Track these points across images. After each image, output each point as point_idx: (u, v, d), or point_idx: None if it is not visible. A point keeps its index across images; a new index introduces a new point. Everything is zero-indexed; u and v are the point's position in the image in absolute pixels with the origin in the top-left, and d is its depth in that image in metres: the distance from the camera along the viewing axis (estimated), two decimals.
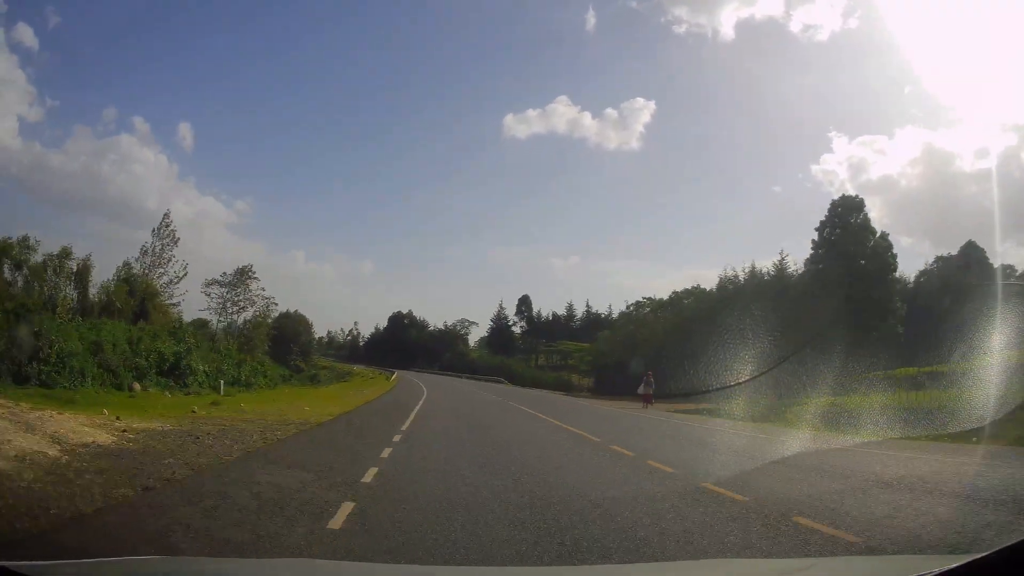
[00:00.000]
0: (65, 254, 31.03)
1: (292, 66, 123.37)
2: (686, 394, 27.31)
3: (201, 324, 53.28)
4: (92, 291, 32.46)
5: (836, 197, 41.61)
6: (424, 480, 6.61)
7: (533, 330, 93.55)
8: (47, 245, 31.58)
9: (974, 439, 11.07)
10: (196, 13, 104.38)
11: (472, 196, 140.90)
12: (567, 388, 56.46)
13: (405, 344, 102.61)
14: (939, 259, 50.22)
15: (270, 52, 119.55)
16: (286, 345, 61.72)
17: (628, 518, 5.02)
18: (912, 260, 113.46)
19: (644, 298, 55.22)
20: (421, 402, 21.99)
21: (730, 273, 45.35)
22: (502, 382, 60.64)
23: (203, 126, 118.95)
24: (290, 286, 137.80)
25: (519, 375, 68.42)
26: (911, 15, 67.52)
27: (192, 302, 64.06)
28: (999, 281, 33.77)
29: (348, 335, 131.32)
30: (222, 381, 31.27)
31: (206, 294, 50.03)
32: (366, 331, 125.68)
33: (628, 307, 58.50)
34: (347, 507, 5.07)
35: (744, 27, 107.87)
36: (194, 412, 14.35)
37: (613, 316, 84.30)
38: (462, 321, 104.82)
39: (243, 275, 52.97)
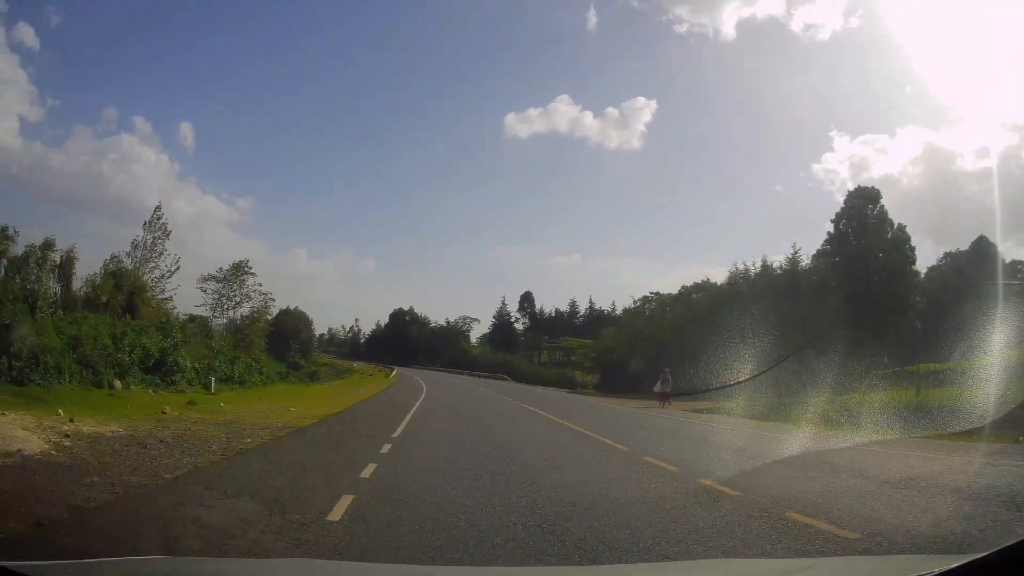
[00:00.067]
0: (48, 246, 29.51)
1: (292, 66, 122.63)
2: (696, 392, 26.03)
3: (202, 322, 52.04)
4: (77, 285, 30.98)
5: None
6: (413, 519, 4.64)
7: (535, 327, 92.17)
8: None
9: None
10: (196, 13, 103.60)
11: (473, 195, 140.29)
12: (571, 385, 55.14)
13: (406, 341, 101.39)
14: (947, 255, 49.29)
15: (270, 52, 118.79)
16: (285, 342, 60.43)
17: None
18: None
19: (651, 293, 53.76)
20: (419, 401, 20.46)
21: (740, 267, 43.80)
22: (505, 379, 59.22)
23: (204, 125, 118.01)
24: (291, 284, 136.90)
25: (521, 372, 67.08)
26: (912, 14, 67.15)
27: (189, 298, 62.90)
28: (1000, 280, 32.89)
29: (349, 332, 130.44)
30: (213, 378, 29.89)
31: (202, 290, 48.68)
32: (367, 328, 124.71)
33: (634, 302, 57.00)
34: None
35: (745, 26, 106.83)
36: (164, 413, 12.94)
37: (616, 313, 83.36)
38: (464, 318, 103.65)
39: (239, 270, 51.53)
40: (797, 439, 11.10)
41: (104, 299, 31.42)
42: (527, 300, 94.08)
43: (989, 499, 5.82)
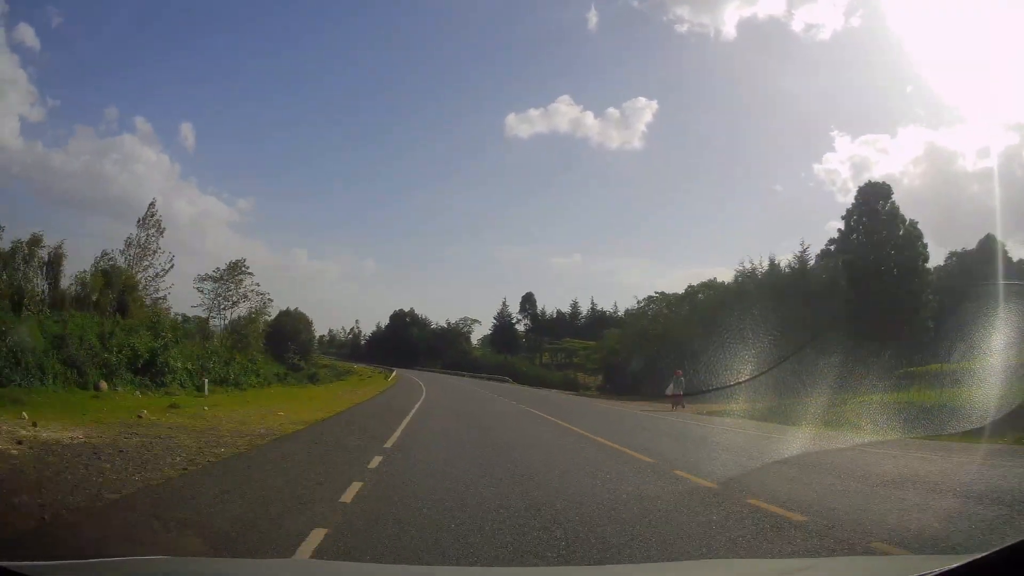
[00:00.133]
0: (35, 241, 28.59)
1: (293, 66, 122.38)
2: (700, 392, 25.10)
3: (200, 322, 51.09)
4: (66, 282, 30.04)
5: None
6: (399, 562, 3.68)
7: (537, 328, 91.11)
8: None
9: None
10: (197, 13, 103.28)
11: (473, 195, 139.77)
12: (574, 387, 54.15)
13: (407, 342, 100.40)
14: (953, 254, 48.62)
15: (270, 52, 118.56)
16: (284, 343, 59.51)
17: None
18: None
19: (656, 293, 52.71)
20: (417, 404, 19.41)
21: (747, 266, 42.78)
22: (507, 381, 58.19)
23: (204, 125, 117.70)
24: (292, 285, 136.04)
25: (523, 373, 66.08)
26: (913, 14, 67.10)
27: (187, 299, 62.09)
28: (1008, 280, 32.34)
29: (349, 334, 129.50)
30: (206, 380, 28.91)
31: (199, 290, 47.73)
32: (367, 329, 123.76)
33: (638, 303, 55.95)
34: None
35: (746, 26, 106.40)
36: (140, 417, 11.96)
37: (619, 314, 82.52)
38: (464, 319, 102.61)
39: (235, 270, 50.56)
40: (842, 447, 10.21)
41: (94, 297, 30.49)
42: (528, 301, 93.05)
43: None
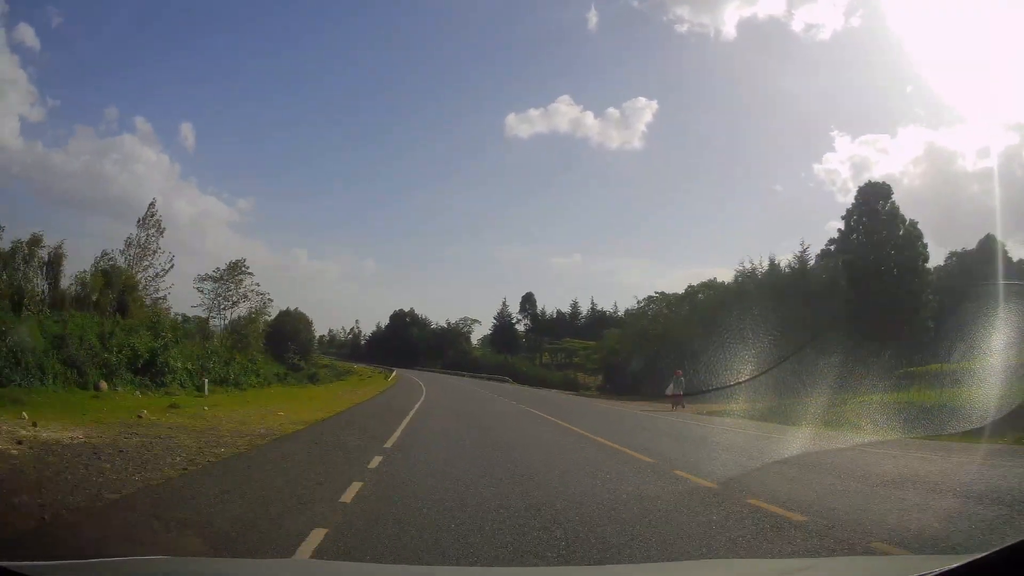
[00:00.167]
0: (35, 241, 28.57)
1: (293, 66, 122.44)
2: (700, 392, 25.08)
3: (200, 322, 51.05)
4: (66, 282, 30.03)
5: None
6: (401, 562, 3.68)
7: (537, 328, 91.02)
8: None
9: None
10: (197, 13, 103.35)
11: (474, 195, 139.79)
12: (574, 387, 54.12)
13: (407, 342, 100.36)
14: (953, 254, 48.67)
15: (271, 52, 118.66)
16: (284, 343, 59.50)
17: None
18: None
19: (656, 293, 52.70)
20: (417, 404, 19.40)
21: (747, 266, 42.76)
22: (508, 381, 58.16)
23: (204, 126, 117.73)
24: (292, 284, 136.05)
25: (523, 374, 66.04)
26: (913, 14, 66.77)
27: (187, 299, 62.16)
28: (1006, 280, 32.42)
29: (349, 334, 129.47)
30: (206, 380, 28.91)
31: (199, 290, 47.71)
32: (367, 329, 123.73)
33: (638, 303, 55.89)
34: None
35: (746, 26, 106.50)
36: (140, 417, 11.96)
37: (618, 314, 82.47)
38: (464, 319, 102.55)
39: (235, 270, 50.55)
40: (842, 447, 10.19)
41: (94, 297, 30.48)
42: (528, 301, 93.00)
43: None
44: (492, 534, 4.20)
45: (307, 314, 69.70)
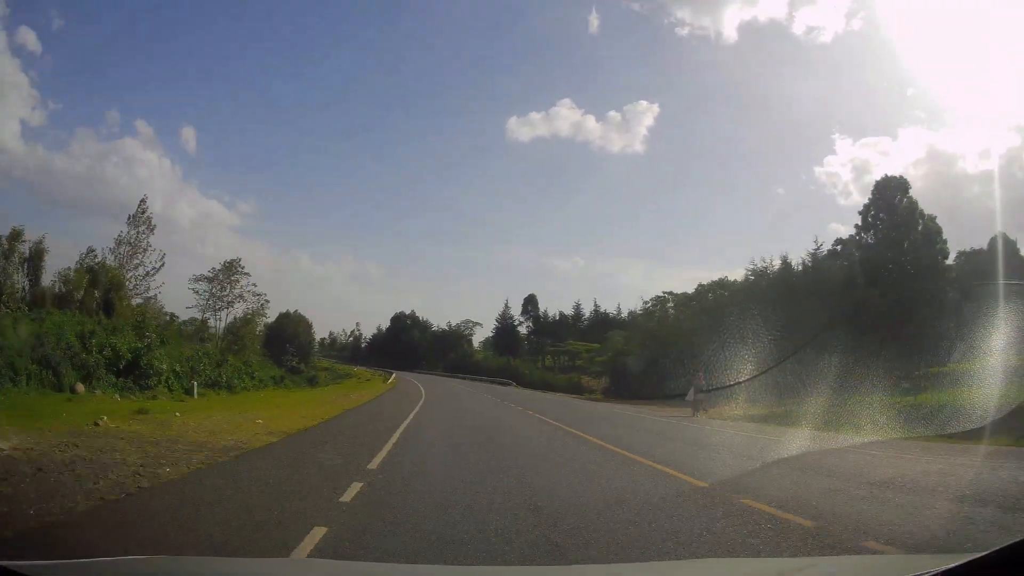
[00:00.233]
0: (15, 236, 27.25)
1: (295, 70, 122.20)
2: (715, 389, 23.63)
3: (199, 324, 49.74)
4: (49, 279, 28.71)
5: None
6: None
7: (539, 330, 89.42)
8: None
9: None
10: (199, 18, 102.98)
11: (475, 198, 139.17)
12: (578, 390, 52.64)
13: (408, 345, 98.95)
14: (961, 254, 47.50)
15: (272, 56, 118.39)
16: (283, 345, 58.15)
17: None
18: None
19: (665, 292, 51.20)
20: (415, 411, 17.84)
21: (760, 264, 41.36)
22: (511, 384, 56.56)
23: (206, 129, 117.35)
24: (293, 287, 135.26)
25: (526, 377, 64.54)
26: (914, 16, 65.93)
27: (185, 299, 60.95)
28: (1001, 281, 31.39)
29: (350, 336, 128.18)
30: (196, 383, 27.52)
31: (194, 291, 46.41)
32: (368, 332, 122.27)
33: (645, 303, 54.46)
34: None
35: (747, 29, 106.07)
36: (98, 424, 10.51)
37: (622, 316, 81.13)
38: (466, 322, 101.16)
39: (230, 270, 49.20)
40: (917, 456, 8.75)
41: (78, 296, 29.15)
42: (531, 303, 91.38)
43: None
44: None
45: (308, 317, 68.70)
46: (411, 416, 15.47)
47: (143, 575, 2.30)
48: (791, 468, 8.22)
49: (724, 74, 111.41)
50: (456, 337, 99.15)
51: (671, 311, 47.96)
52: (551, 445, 10.64)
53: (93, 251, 32.56)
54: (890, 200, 37.20)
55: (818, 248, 41.13)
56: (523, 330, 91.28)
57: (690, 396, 21.36)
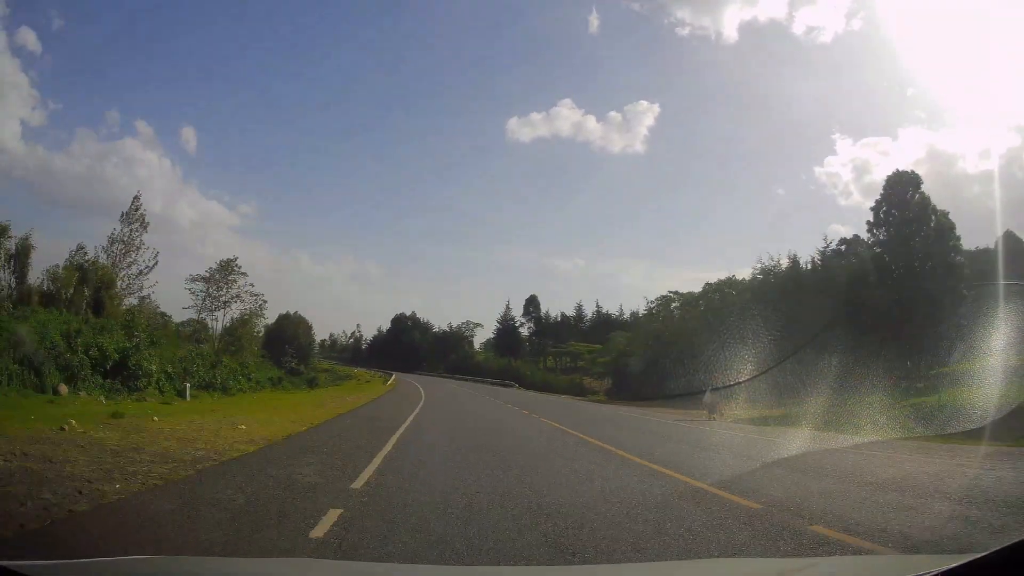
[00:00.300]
0: (1, 232, 26.31)
1: (296, 70, 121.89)
2: (725, 392, 22.71)
3: (197, 324, 48.85)
4: (36, 277, 27.78)
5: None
6: None
7: (541, 331, 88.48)
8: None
9: None
10: (199, 18, 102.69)
11: (476, 198, 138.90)
12: (581, 392, 51.74)
13: (408, 346, 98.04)
14: (965, 253, 46.91)
15: (272, 56, 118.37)
16: (283, 347, 57.28)
17: None
18: None
19: (671, 292, 50.26)
20: (413, 415, 16.84)
21: (767, 262, 40.49)
22: (513, 386, 55.58)
23: (205, 129, 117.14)
24: (294, 288, 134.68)
25: (527, 378, 63.60)
26: (914, 17, 66.91)
27: (183, 300, 60.24)
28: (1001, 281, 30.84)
29: (351, 338, 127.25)
30: (188, 384, 26.60)
31: (190, 291, 45.46)
32: (369, 333, 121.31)
33: (650, 303, 53.49)
34: None
35: (747, 29, 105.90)
36: (63, 429, 9.60)
37: (624, 317, 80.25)
38: (467, 323, 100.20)
39: (227, 269, 48.23)
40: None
41: (66, 294, 28.23)
42: (532, 303, 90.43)
43: None
44: None
45: (308, 318, 67.81)
46: (408, 420, 14.47)
47: (143, 575, 2.30)
48: (850, 480, 7.17)
49: (724, 74, 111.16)
50: (457, 338, 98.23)
51: (676, 311, 47.03)
52: (562, 453, 9.41)
53: (83, 248, 31.59)
54: (902, 196, 36.23)
55: (827, 246, 40.36)
56: (524, 331, 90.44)
57: (707, 398, 20.39)
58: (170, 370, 27.55)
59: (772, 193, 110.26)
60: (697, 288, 46.49)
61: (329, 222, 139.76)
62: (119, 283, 32.38)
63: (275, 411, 16.17)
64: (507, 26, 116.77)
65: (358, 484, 6.06)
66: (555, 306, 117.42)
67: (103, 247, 33.96)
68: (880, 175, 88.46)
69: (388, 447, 8.97)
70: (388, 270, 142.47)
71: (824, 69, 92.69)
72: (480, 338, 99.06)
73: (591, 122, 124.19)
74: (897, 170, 38.22)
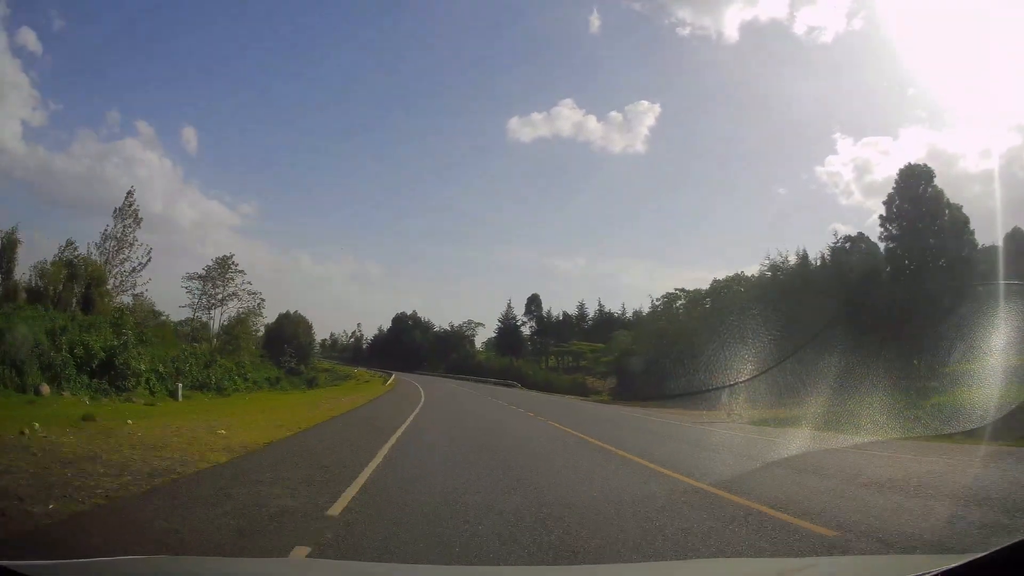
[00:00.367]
0: None
1: (296, 70, 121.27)
2: (739, 391, 21.80)
3: (195, 323, 48.08)
4: (24, 273, 26.92)
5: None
6: None
7: (543, 330, 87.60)
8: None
9: None
10: (199, 18, 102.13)
11: (477, 198, 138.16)
12: (584, 392, 50.87)
13: (409, 346, 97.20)
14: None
15: (272, 56, 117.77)
16: (283, 346, 56.47)
17: None
18: None
19: (677, 289, 49.37)
20: (411, 417, 15.87)
21: (776, 258, 39.62)
22: (515, 386, 54.64)
23: (206, 129, 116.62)
24: (294, 287, 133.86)
25: (529, 378, 62.71)
26: (914, 17, 65.40)
27: (176, 299, 59.42)
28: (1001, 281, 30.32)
29: (351, 337, 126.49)
30: (180, 385, 25.73)
31: (187, 289, 44.66)
32: (369, 333, 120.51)
33: (655, 301, 52.66)
34: None
35: (748, 29, 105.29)
36: (23, 434, 8.70)
37: (627, 316, 79.48)
38: (468, 322, 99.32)
39: (224, 267, 47.39)
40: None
41: (55, 290, 27.38)
42: (534, 302, 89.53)
43: None
44: None
45: (308, 317, 67.08)
46: (405, 424, 13.49)
47: (143, 575, 2.28)
48: (899, 489, 6.34)
49: (725, 74, 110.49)
50: (458, 338, 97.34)
51: (681, 309, 46.15)
52: (578, 463, 8.38)
53: (73, 244, 30.71)
54: (914, 189, 35.29)
55: (837, 242, 39.46)
56: (526, 330, 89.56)
57: (724, 397, 19.52)
58: (161, 370, 26.69)
59: (773, 193, 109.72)
60: (700, 288, 45.78)
61: (329, 222, 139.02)
62: (111, 280, 31.52)
63: (266, 413, 15.22)
64: (507, 26, 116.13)
65: (336, 509, 5.01)
66: (556, 306, 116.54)
67: (96, 243, 33.18)
68: (881, 175, 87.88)
69: (379, 457, 7.88)
70: (388, 270, 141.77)
71: (825, 69, 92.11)
72: (481, 337, 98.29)
73: (592, 122, 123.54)
74: (909, 163, 37.20)
